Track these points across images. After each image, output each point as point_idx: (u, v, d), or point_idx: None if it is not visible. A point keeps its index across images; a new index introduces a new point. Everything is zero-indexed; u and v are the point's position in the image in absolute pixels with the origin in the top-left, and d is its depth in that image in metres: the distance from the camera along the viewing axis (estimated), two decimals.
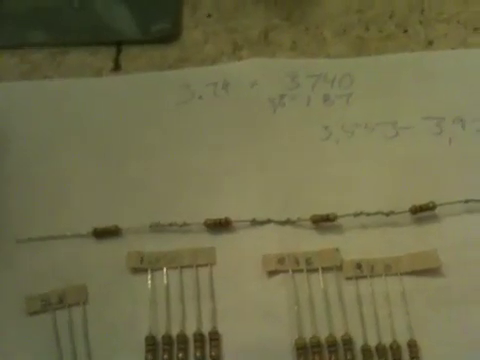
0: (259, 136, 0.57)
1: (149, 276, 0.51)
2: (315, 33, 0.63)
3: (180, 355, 0.48)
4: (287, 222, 0.53)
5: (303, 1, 0.65)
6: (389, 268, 0.51)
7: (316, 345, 0.48)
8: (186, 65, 0.62)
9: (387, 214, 0.52)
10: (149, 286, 0.51)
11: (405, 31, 0.63)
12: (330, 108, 0.59)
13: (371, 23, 0.63)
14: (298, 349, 0.48)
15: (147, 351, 0.48)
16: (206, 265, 0.51)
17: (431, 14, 0.63)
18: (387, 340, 0.48)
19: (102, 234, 0.52)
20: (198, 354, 0.48)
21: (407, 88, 0.59)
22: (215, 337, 0.48)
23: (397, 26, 0.63)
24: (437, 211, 0.52)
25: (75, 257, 0.52)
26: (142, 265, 0.51)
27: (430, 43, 0.62)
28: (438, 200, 0.52)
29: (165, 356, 0.48)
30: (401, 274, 0.50)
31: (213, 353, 0.48)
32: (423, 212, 0.52)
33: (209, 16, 0.65)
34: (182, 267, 0.51)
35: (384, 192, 0.54)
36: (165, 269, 0.51)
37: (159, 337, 0.49)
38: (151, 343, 0.48)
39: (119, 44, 0.63)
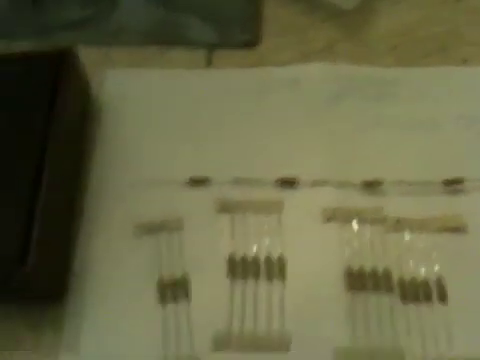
0: (323, 121, 0.66)
1: (230, 217, 0.61)
2: (370, 47, 0.72)
3: (253, 272, 0.58)
4: (342, 184, 0.62)
5: (361, 22, 0.74)
6: (423, 225, 0.59)
7: (362, 274, 0.57)
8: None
9: (424, 184, 0.61)
10: (230, 225, 0.60)
11: (444, 50, 0.72)
12: (380, 103, 0.68)
13: (416, 43, 0.73)
14: (347, 275, 0.57)
15: (228, 269, 0.58)
16: (276, 213, 0.61)
17: (466, 38, 0.73)
18: (419, 277, 0.57)
19: (196, 183, 0.62)
20: (268, 274, 0.58)
21: (444, 94, 0.68)
22: (282, 261, 0.58)
23: (437, 46, 0.72)
24: (465, 184, 0.61)
25: (175, 198, 0.62)
26: (225, 209, 0.62)
27: (464, 61, 0.70)
28: (467, 178, 0.61)
29: (242, 274, 0.58)
30: (433, 231, 0.59)
31: (279, 274, 0.57)
32: (454, 185, 0.61)
33: (284, 30, 0.74)
34: (256, 213, 0.61)
35: (423, 168, 0.63)
36: (243, 213, 0.61)
37: (238, 259, 0.59)
38: (232, 263, 0.58)
39: (211, 47, 0.73)
